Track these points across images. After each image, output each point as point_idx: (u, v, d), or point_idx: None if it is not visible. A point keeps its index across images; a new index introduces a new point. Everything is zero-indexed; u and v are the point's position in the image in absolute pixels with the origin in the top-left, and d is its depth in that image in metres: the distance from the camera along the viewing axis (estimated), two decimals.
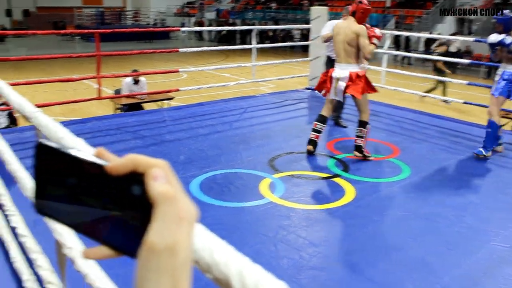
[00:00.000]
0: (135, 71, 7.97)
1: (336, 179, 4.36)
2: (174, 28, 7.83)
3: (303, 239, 3.27)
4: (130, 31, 7.16)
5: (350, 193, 4.05)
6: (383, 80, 7.82)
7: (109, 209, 0.44)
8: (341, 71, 4.87)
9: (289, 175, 4.40)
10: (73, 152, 0.44)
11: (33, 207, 0.46)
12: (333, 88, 4.93)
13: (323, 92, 5.12)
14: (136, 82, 8.37)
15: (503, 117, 8.11)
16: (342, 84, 4.84)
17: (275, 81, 10.82)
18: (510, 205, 3.99)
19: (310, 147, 5.03)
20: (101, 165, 0.44)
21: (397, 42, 21.15)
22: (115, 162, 0.44)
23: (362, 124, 4.91)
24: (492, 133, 5.12)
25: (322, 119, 5.10)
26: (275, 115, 6.76)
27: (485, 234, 3.46)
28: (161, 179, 0.43)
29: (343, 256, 3.12)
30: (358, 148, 4.93)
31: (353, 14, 4.88)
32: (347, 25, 4.86)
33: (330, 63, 6.20)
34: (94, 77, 6.35)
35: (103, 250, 0.45)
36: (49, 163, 0.45)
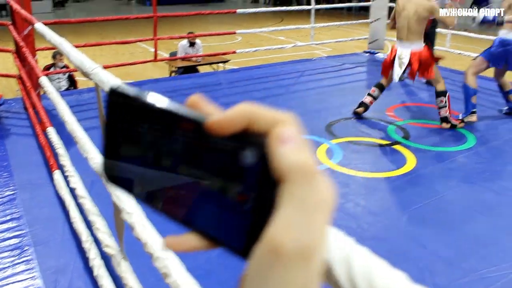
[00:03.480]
0: (191, 33, 7.92)
1: (396, 147, 4.17)
2: None
3: (361, 207, 3.16)
4: None
5: (411, 161, 3.87)
6: (448, 43, 7.40)
7: (206, 182, 0.30)
8: (405, 50, 4.64)
9: (347, 141, 4.25)
10: (156, 102, 0.31)
11: (102, 169, 0.33)
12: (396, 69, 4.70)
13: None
14: (192, 44, 8.33)
15: None
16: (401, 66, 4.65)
17: (332, 44, 10.50)
18: None
19: (360, 109, 4.91)
20: (199, 121, 0.30)
21: None
22: (219, 116, 0.29)
23: (440, 94, 4.65)
24: (465, 96, 4.73)
25: (380, 87, 4.93)
26: (332, 79, 6.55)
27: None
28: (294, 144, 0.28)
29: (404, 227, 2.99)
30: (445, 119, 4.69)
31: None
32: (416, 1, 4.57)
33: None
34: (151, 39, 6.35)
35: (193, 240, 0.31)
36: (125, 115, 0.32)
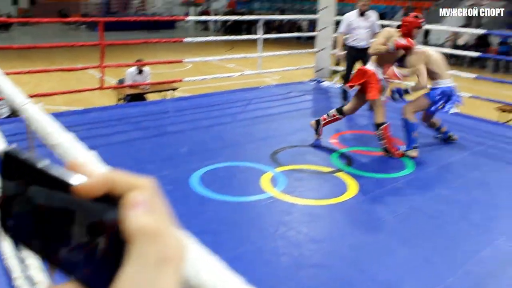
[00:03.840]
0: (139, 60, 7.90)
1: (339, 174, 4.29)
2: (179, 17, 7.74)
3: (304, 235, 3.21)
4: (134, 20, 7.07)
5: (352, 188, 3.98)
6: None
7: (79, 237, 0.34)
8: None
9: (291, 169, 4.33)
10: (41, 165, 0.36)
11: None
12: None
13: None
14: (140, 72, 8.30)
15: (510, 111, 8.01)
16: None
17: (280, 72, 10.71)
18: None
19: (313, 123, 5.08)
20: (69, 184, 0.34)
21: None
22: (87, 181, 0.33)
23: (378, 125, 4.83)
24: (407, 131, 4.92)
25: (339, 110, 5.14)
26: (279, 107, 6.68)
27: (491, 232, 3.39)
28: (142, 207, 0.32)
29: (345, 253, 3.06)
30: (385, 150, 4.85)
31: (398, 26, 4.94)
32: (390, 31, 4.89)
33: (354, 52, 6.35)
34: (97, 67, 6.29)
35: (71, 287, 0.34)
36: (15, 173, 0.37)
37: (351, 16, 6.52)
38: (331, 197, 3.81)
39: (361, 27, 6.39)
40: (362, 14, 6.45)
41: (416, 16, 4.84)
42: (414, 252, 3.09)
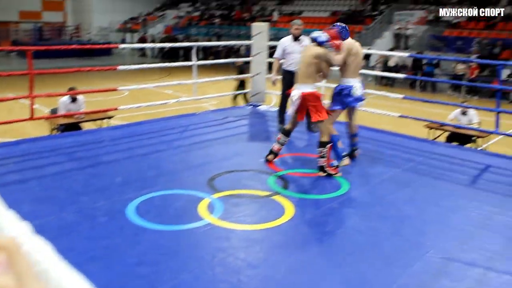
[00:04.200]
0: (72, 89, 7.71)
1: (276, 197, 4.34)
2: (112, 45, 7.65)
3: (241, 260, 3.21)
4: (65, 48, 6.92)
5: (289, 211, 4.03)
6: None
7: None
8: (297, 91, 5.02)
9: (228, 195, 4.34)
10: None
11: None
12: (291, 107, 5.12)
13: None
14: (74, 100, 8.10)
15: (436, 129, 8.43)
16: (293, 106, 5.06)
17: (218, 97, 10.77)
18: (444, 217, 4.10)
19: (271, 157, 5.30)
20: None
21: None
22: None
23: (322, 144, 4.96)
24: (334, 146, 5.17)
25: (285, 132, 5.30)
26: (215, 133, 6.70)
27: (421, 246, 3.52)
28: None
29: (282, 278, 3.08)
30: (321, 168, 4.97)
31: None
32: (311, 47, 5.03)
33: (289, 76, 6.45)
34: (27, 97, 6.08)
35: None
36: None
37: (286, 41, 6.72)
38: (268, 220, 3.84)
39: (295, 52, 6.53)
40: (296, 39, 6.65)
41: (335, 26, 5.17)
42: (350, 271, 3.16)
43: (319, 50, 4.94)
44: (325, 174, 4.95)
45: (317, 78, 5.05)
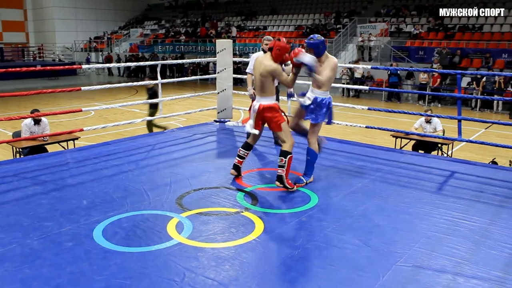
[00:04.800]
0: (35, 111, 7.56)
1: (245, 213, 4.31)
2: (75, 66, 7.53)
3: (211, 280, 3.16)
4: (26, 69, 6.75)
5: (259, 227, 4.01)
6: (289, 109, 7.99)
7: None
8: (256, 103, 5.03)
9: (197, 213, 4.29)
10: None
11: None
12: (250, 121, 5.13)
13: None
14: (37, 122, 7.94)
15: (402, 138, 8.58)
16: (251, 120, 5.07)
17: (185, 114, 10.71)
18: (412, 224, 4.15)
19: (233, 171, 5.31)
20: None
21: None
22: None
23: (283, 153, 4.94)
24: (311, 160, 5.20)
25: (246, 146, 5.29)
26: (183, 151, 6.65)
27: (392, 256, 3.55)
28: None
29: None
30: (279, 178, 4.95)
31: (270, 49, 4.97)
32: (262, 60, 4.97)
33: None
34: None
35: None
36: None
37: (258, 56, 6.66)
38: (238, 238, 3.80)
39: None
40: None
41: (278, 39, 5.00)
42: (323, 285, 3.14)
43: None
44: (282, 185, 4.94)
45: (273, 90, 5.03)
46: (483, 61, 18.97)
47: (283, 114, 5.05)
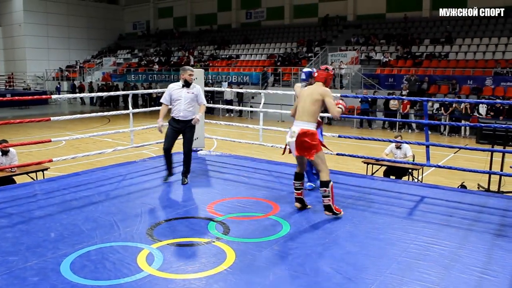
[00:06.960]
0: (2, 141, 7.43)
1: (217, 243, 4.28)
2: (45, 96, 7.45)
3: None
4: None
5: (230, 256, 3.98)
6: (261, 138, 8.04)
7: None
8: (295, 128, 5.05)
9: (168, 244, 4.23)
10: None
11: None
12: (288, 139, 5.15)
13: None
14: (5, 153, 7.80)
15: (374, 164, 8.69)
16: (291, 142, 5.07)
17: (157, 144, 10.66)
18: (384, 250, 4.18)
19: (297, 204, 5.32)
20: None
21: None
22: None
23: (324, 184, 4.99)
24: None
25: (297, 176, 5.28)
26: (154, 181, 6.59)
27: (363, 282, 3.56)
28: None
29: None
30: (328, 208, 5.01)
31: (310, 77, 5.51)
32: (316, 87, 5.14)
33: (175, 123, 6.28)
34: None
35: None
36: None
37: (174, 86, 6.35)
38: (209, 268, 3.76)
39: (182, 98, 6.23)
40: (188, 85, 6.30)
41: (327, 69, 5.28)
42: None
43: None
44: (330, 213, 5.03)
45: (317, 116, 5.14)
46: (449, 87, 19.51)
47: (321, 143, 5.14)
